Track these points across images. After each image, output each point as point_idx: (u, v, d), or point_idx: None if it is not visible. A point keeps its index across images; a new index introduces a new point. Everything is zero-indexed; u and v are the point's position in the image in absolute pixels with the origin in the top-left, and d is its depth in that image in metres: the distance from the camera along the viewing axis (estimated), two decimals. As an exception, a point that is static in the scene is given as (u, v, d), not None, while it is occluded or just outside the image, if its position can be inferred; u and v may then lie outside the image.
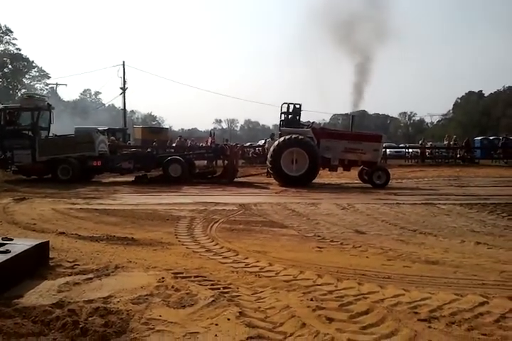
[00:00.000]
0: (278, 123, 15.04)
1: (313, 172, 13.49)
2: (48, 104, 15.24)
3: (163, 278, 3.76)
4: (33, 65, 60.38)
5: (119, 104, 53.89)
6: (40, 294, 3.29)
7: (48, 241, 4.21)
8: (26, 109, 14.78)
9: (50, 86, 59.81)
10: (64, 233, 5.83)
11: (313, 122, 15.94)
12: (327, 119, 76.60)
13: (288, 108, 14.59)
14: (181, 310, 3.06)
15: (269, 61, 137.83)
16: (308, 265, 4.37)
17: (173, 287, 3.51)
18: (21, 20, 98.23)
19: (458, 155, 27.45)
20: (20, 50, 58.47)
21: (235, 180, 14.95)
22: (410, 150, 31.29)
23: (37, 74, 61.55)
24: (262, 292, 3.50)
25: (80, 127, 23.99)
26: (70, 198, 9.89)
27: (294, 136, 13.44)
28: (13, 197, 9.64)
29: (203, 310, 3.05)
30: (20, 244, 3.78)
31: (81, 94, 79.91)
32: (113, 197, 10.33)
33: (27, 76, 61.03)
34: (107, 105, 62.75)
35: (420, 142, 33.06)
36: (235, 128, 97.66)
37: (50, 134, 15.52)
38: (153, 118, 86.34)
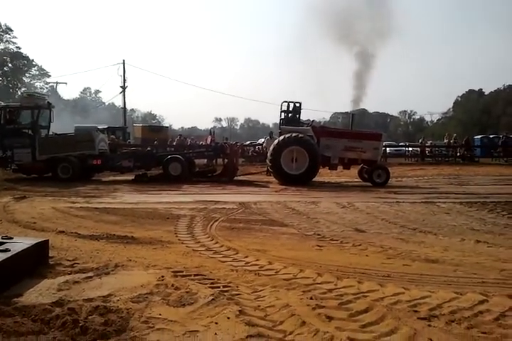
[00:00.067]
0: (278, 121, 15.05)
1: (313, 170, 13.50)
2: (48, 102, 15.24)
3: (162, 276, 3.76)
4: (33, 63, 60.39)
5: (119, 103, 53.95)
6: (40, 293, 3.29)
7: (48, 240, 4.21)
8: (26, 107, 14.78)
9: (50, 84, 59.80)
10: (64, 232, 5.83)
11: (313, 120, 15.95)
12: (327, 118, 76.68)
13: (288, 106, 14.60)
14: (181, 309, 3.07)
15: (268, 59, 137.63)
16: (308, 263, 4.37)
17: (172, 285, 3.52)
18: (21, 18, 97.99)
19: (458, 154, 27.44)
20: (20, 49, 58.49)
21: (235, 178, 14.95)
22: (410, 148, 31.26)
23: (37, 72, 61.54)
24: (261, 290, 3.50)
25: (80, 126, 23.99)
26: (70, 197, 9.89)
27: (294, 134, 13.45)
28: (13, 196, 9.65)
29: (202, 309, 3.05)
30: (20, 243, 3.78)
31: (81, 92, 79.88)
32: (113, 196, 10.33)
33: (27, 74, 61.01)
34: (107, 104, 62.74)
35: (420, 140, 32.99)
36: (235, 127, 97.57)
37: (50, 133, 15.52)
38: (153, 116, 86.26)
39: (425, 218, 7.27)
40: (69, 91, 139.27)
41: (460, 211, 8.02)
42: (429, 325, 2.83)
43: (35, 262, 3.87)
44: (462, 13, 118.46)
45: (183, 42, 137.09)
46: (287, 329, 2.76)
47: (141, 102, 75.94)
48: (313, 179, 13.75)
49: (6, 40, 56.98)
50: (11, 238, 3.94)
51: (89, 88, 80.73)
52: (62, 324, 2.71)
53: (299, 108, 14.66)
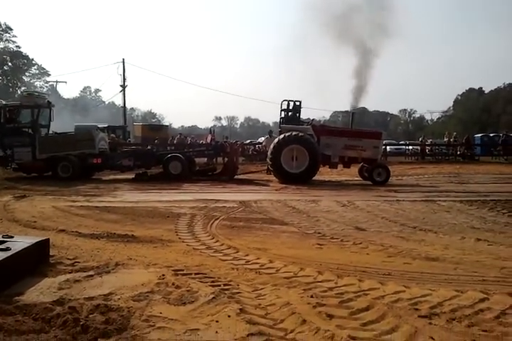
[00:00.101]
0: (278, 120, 15.04)
1: (313, 169, 13.49)
2: (47, 101, 15.24)
3: (163, 275, 3.76)
4: (33, 62, 60.37)
5: (119, 102, 53.96)
6: (41, 291, 3.30)
7: (49, 239, 4.21)
8: (26, 106, 14.77)
9: (49, 83, 59.77)
10: (64, 230, 5.83)
11: (313, 119, 15.96)
12: (327, 116, 76.65)
13: (288, 105, 14.58)
14: (182, 307, 3.07)
15: (268, 58, 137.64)
16: (308, 262, 4.38)
17: (173, 284, 3.52)
18: (21, 17, 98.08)
19: (458, 152, 27.44)
20: (20, 48, 58.47)
21: (235, 177, 14.95)
22: (410, 147, 31.25)
23: (37, 71, 61.53)
24: (262, 289, 3.50)
25: (80, 125, 23.99)
26: (70, 196, 9.89)
27: (294, 133, 13.44)
28: (14, 195, 9.65)
29: (203, 307, 3.06)
30: (21, 242, 3.78)
31: (81, 91, 79.93)
32: (113, 195, 10.33)
33: (27, 74, 61.00)
34: (106, 102, 62.72)
35: (420, 139, 33.00)
36: (235, 126, 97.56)
37: (50, 132, 15.52)
38: (153, 115, 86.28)
39: (425, 216, 7.27)
40: (69, 90, 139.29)
41: (460, 209, 8.01)
42: (430, 323, 2.83)
43: (36, 261, 3.87)
44: (462, 13, 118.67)
45: (183, 41, 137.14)
46: (288, 328, 2.76)
47: (141, 101, 76.31)
48: (314, 178, 13.75)
49: (6, 39, 57.01)
50: (12, 237, 3.94)
51: (89, 87, 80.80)
52: (63, 322, 2.71)
53: (299, 106, 14.64)
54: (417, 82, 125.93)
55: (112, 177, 15.63)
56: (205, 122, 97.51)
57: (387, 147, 26.64)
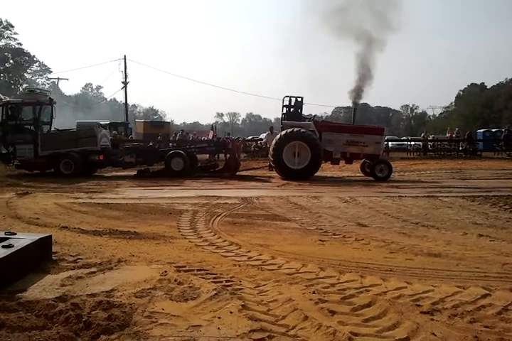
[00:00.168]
0: (280, 116, 15.02)
1: (315, 165, 13.48)
2: (49, 98, 15.25)
3: (165, 271, 3.77)
4: (35, 59, 60.46)
5: (120, 98, 54.07)
6: (44, 288, 3.31)
7: (51, 236, 4.21)
8: (28, 103, 14.80)
9: (51, 80, 59.95)
10: (67, 227, 5.84)
11: (315, 115, 15.91)
12: (329, 112, 76.60)
13: (290, 101, 14.56)
14: (184, 304, 3.07)
15: (270, 55, 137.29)
16: (310, 258, 4.37)
17: (175, 280, 3.52)
18: (22, 14, 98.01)
19: (460, 148, 27.39)
20: (21, 45, 58.54)
21: (237, 173, 14.96)
22: (412, 142, 31.19)
23: (38, 68, 61.60)
24: (264, 285, 3.51)
25: (81, 121, 24.07)
26: (72, 192, 9.91)
27: (295, 129, 13.42)
28: (16, 192, 9.67)
29: (205, 304, 3.06)
30: (24, 238, 3.79)
31: (83, 88, 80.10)
32: (115, 191, 10.34)
33: (28, 71, 61.06)
34: (108, 99, 62.87)
35: (422, 135, 32.96)
36: (237, 122, 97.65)
37: (52, 129, 15.54)
38: (155, 112, 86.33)
39: (427, 212, 7.26)
40: (70, 87, 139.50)
41: (462, 205, 8.00)
42: (432, 319, 2.83)
43: (39, 257, 3.88)
44: (465, 9, 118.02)
45: (184, 38, 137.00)
46: (290, 324, 2.76)
47: (142, 98, 76.23)
48: (316, 174, 13.74)
49: (7, 37, 57.02)
50: (15, 234, 3.95)
51: (90, 84, 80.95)
52: (66, 319, 2.72)
53: (301, 103, 14.62)
54: (419, 77, 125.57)
55: (114, 173, 15.67)
56: (207, 119, 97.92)
57: (389, 143, 26.62)
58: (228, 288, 3.39)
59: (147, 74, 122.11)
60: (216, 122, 73.23)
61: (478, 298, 3.22)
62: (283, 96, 14.63)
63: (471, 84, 71.85)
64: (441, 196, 9.09)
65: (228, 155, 15.50)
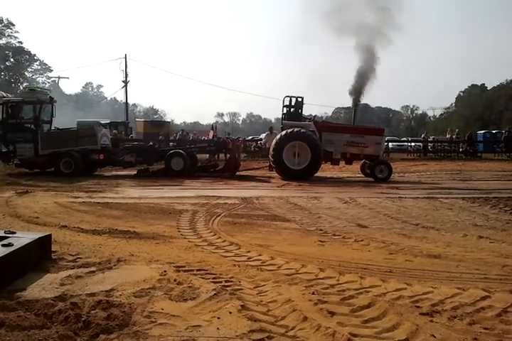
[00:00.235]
0: (280, 116, 15.01)
1: (315, 166, 13.47)
2: (50, 97, 15.23)
3: (165, 271, 3.77)
4: (35, 58, 60.42)
5: (121, 98, 54.02)
6: (43, 287, 3.30)
7: (51, 235, 4.21)
8: (28, 102, 14.77)
9: (52, 79, 59.92)
10: (66, 226, 5.84)
11: (315, 116, 15.91)
12: (329, 113, 76.60)
13: (290, 101, 14.55)
14: (183, 304, 3.07)
15: (270, 55, 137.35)
16: (310, 259, 4.37)
17: (175, 280, 3.52)
18: (23, 13, 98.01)
19: (460, 149, 27.39)
20: (22, 44, 58.53)
21: (237, 173, 14.95)
22: (413, 143, 31.22)
23: (39, 67, 61.56)
24: (264, 285, 3.50)
25: (82, 120, 24.04)
26: (72, 191, 9.91)
27: (296, 129, 13.41)
28: (16, 191, 9.68)
29: (205, 304, 3.06)
30: (23, 237, 3.79)
31: (83, 87, 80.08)
32: (115, 191, 10.34)
33: (29, 69, 61.03)
34: (109, 98, 62.89)
35: (422, 136, 32.96)
36: (237, 122, 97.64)
37: (53, 127, 15.52)
38: (156, 111, 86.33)
39: (427, 213, 7.26)
40: (71, 86, 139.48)
41: (462, 206, 8.00)
42: (431, 321, 2.83)
43: (38, 256, 3.88)
44: (465, 10, 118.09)
45: (185, 37, 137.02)
46: (289, 325, 2.76)
47: (143, 97, 76.27)
48: (315, 174, 13.74)
49: (8, 35, 57.00)
50: (14, 232, 3.94)
51: (91, 83, 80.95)
52: (65, 318, 2.72)
53: (301, 103, 14.61)
54: (420, 78, 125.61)
55: (114, 173, 15.66)
56: (207, 118, 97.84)
57: (390, 143, 26.61)
58: (228, 288, 3.38)
59: (148, 74, 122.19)
60: (216, 122, 73.28)
61: (478, 299, 3.21)
62: (283, 96, 14.65)
63: (472, 85, 71.90)
64: (442, 197, 9.09)
65: (228, 155, 15.49)
